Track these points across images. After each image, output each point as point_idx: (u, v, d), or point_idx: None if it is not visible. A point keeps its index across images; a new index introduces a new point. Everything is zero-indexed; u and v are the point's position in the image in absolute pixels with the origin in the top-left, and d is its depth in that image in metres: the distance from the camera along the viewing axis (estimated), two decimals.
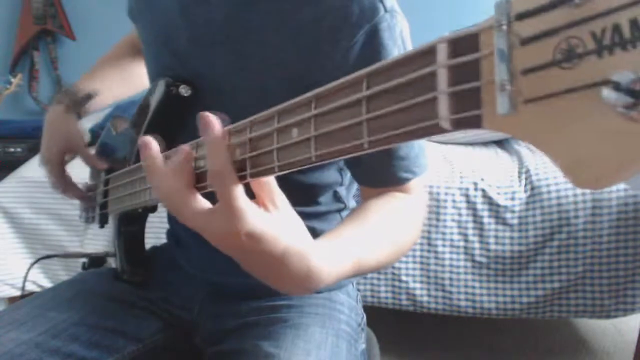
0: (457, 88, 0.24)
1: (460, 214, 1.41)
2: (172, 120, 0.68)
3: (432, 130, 0.26)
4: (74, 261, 1.51)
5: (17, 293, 1.58)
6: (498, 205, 1.39)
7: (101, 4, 2.64)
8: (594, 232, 1.34)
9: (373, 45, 0.57)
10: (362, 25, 0.57)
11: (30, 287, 1.60)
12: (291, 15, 0.60)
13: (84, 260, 0.88)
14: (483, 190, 1.41)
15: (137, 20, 0.78)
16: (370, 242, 0.52)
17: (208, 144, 0.38)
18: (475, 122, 0.24)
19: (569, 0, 0.20)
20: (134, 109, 0.73)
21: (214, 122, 0.38)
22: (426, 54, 0.26)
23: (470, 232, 1.40)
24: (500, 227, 1.39)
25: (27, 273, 0.85)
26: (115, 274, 0.77)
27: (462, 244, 1.41)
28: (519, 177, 1.45)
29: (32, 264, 0.84)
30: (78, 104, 0.82)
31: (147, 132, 0.69)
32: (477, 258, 1.39)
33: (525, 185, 1.42)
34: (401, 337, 1.67)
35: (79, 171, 0.86)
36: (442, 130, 0.25)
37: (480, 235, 1.39)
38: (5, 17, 2.80)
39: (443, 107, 0.25)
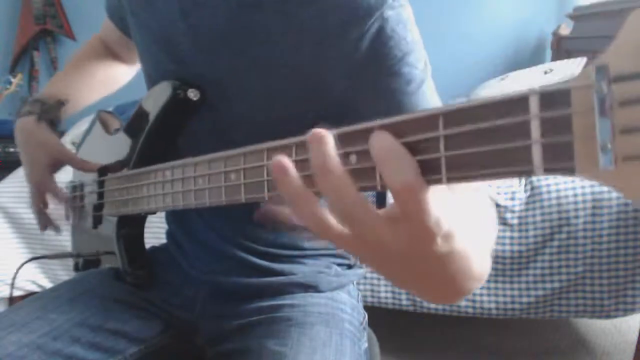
0: (550, 140, 0.26)
1: None
2: (176, 124, 0.67)
3: (522, 174, 0.27)
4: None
5: (17, 293, 1.58)
6: (498, 205, 1.39)
7: (101, 4, 2.63)
8: (594, 232, 1.34)
9: (385, 33, 0.56)
10: (371, 15, 0.56)
11: (30, 287, 1.60)
12: (296, 14, 0.59)
13: (77, 261, 0.88)
14: None
15: (127, 21, 0.76)
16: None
17: (387, 152, 0.30)
18: (567, 172, 0.25)
19: None
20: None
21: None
22: (516, 103, 0.27)
23: None
24: (500, 227, 1.39)
25: (15, 274, 0.84)
26: (116, 275, 0.77)
27: None
28: None
29: (20, 267, 0.83)
30: (52, 112, 0.79)
31: (148, 136, 0.68)
32: None
33: (525, 185, 1.42)
34: (401, 337, 1.67)
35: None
36: (532, 175, 0.27)
37: None
38: (5, 17, 2.80)
39: (537, 156, 0.26)
